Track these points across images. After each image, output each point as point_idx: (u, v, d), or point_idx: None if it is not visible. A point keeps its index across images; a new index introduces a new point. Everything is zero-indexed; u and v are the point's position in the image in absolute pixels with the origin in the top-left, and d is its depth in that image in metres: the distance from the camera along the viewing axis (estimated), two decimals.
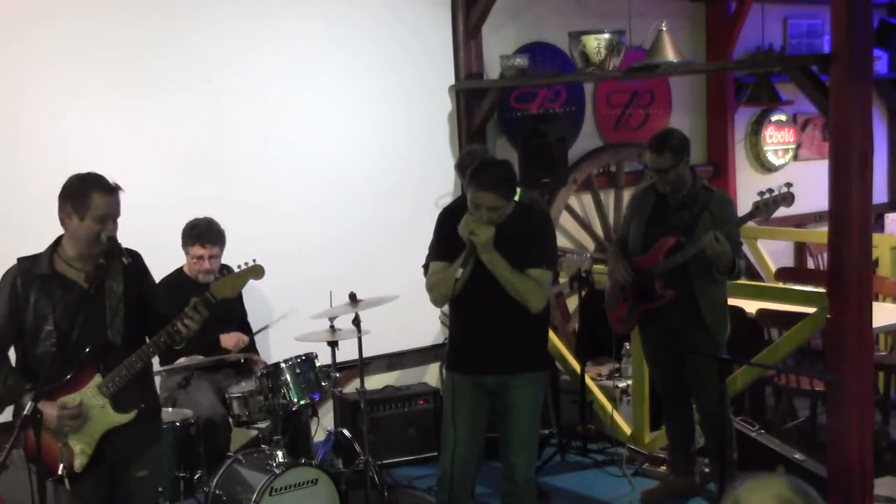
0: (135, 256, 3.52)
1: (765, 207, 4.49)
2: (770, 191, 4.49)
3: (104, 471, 3.47)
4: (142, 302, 3.53)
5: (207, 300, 3.41)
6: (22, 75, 4.92)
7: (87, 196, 3.33)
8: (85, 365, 3.39)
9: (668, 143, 4.67)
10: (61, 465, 3.34)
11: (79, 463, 3.38)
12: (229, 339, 4.99)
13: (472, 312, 4.02)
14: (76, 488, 3.39)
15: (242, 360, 5.08)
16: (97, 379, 3.39)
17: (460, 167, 5.10)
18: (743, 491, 1.96)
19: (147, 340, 3.46)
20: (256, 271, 3.54)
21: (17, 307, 3.39)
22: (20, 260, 3.45)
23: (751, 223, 7.25)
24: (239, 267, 3.55)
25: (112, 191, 3.39)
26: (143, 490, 3.60)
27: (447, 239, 4.02)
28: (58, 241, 3.46)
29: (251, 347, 5.19)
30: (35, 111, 4.96)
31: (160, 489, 4.19)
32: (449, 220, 4.04)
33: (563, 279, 6.69)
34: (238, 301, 5.14)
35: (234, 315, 5.13)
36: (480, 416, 4.07)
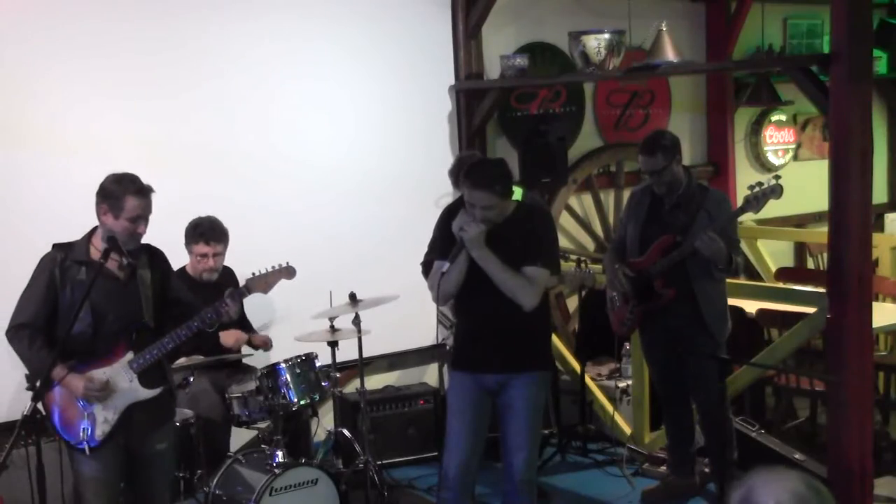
0: (158, 254, 3.87)
1: (755, 201, 4.50)
2: (760, 184, 4.51)
3: (122, 444, 3.68)
4: (165, 293, 3.82)
5: (242, 293, 3.76)
6: (28, 77, 4.92)
7: (122, 198, 3.60)
8: (118, 342, 3.65)
9: (659, 144, 4.67)
10: (82, 431, 3.58)
11: (100, 432, 3.61)
12: (228, 337, 4.99)
13: (472, 311, 4.04)
14: (98, 456, 3.61)
15: (242, 360, 5.09)
16: (129, 355, 3.65)
17: (452, 174, 5.10)
18: (757, 481, 1.97)
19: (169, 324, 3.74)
20: (289, 272, 3.88)
21: (55, 290, 3.63)
22: (56, 246, 3.70)
23: (751, 223, 7.30)
24: (273, 267, 3.85)
25: (145, 193, 3.67)
26: (163, 461, 3.87)
27: (447, 237, 4.03)
28: (93, 230, 3.71)
29: (249, 331, 5.20)
30: (40, 113, 4.95)
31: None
32: (449, 218, 4.06)
33: (563, 290, 6.70)
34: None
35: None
36: (483, 415, 4.07)
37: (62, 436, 3.67)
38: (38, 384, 3.46)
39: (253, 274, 3.83)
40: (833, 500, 1.95)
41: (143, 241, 3.76)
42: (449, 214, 4.10)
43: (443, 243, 4.09)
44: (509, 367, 3.98)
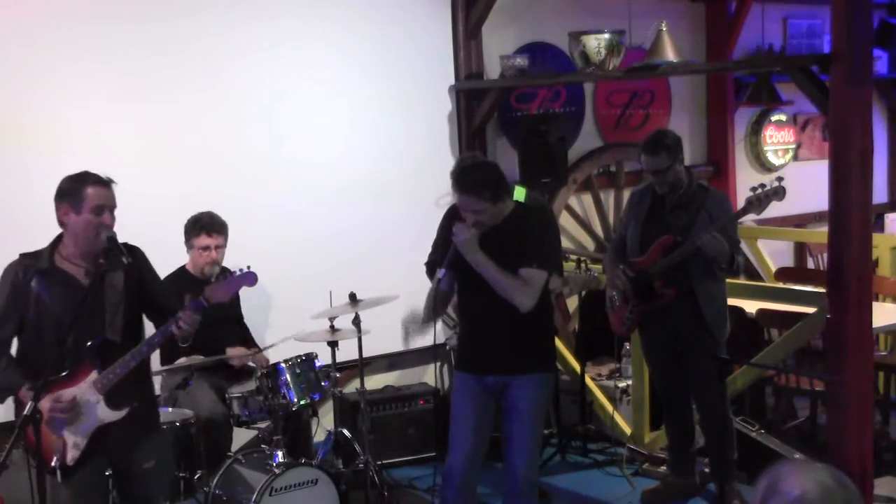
0: (134, 252, 3.55)
1: (757, 202, 4.50)
2: (762, 186, 4.51)
3: (102, 464, 3.50)
4: (142, 298, 3.57)
5: (199, 303, 3.44)
6: (29, 80, 4.92)
7: (81, 190, 3.39)
8: (82, 361, 3.42)
9: (662, 144, 4.67)
10: (55, 458, 3.39)
11: (71, 456, 3.42)
12: (233, 353, 4.99)
13: (474, 313, 4.04)
14: (73, 482, 3.43)
15: (249, 363, 5.09)
16: (93, 375, 3.42)
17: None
18: (785, 470, 1.98)
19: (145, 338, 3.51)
20: (250, 278, 3.57)
21: (18, 301, 3.43)
22: (22, 255, 3.50)
23: (751, 223, 7.30)
24: (234, 273, 3.57)
25: (105, 183, 3.44)
26: (152, 480, 3.63)
27: (445, 240, 4.05)
28: (59, 238, 3.50)
29: (252, 345, 5.20)
30: (41, 115, 4.96)
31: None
32: (450, 220, 4.07)
33: (564, 291, 6.69)
34: (235, 301, 5.14)
35: (232, 315, 5.13)
36: (486, 415, 4.07)
37: (38, 464, 3.33)
38: (38, 385, 3.23)
39: (210, 281, 3.61)
40: (859, 496, 1.96)
41: (129, 240, 3.54)
42: (450, 216, 4.12)
43: (443, 246, 4.10)
44: (511, 369, 3.99)
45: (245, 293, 5.15)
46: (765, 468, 2.02)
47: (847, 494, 1.94)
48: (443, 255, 4.03)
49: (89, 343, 3.40)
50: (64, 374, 3.40)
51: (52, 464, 3.39)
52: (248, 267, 3.58)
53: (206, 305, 3.45)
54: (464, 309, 4.12)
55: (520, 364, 3.99)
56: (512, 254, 3.88)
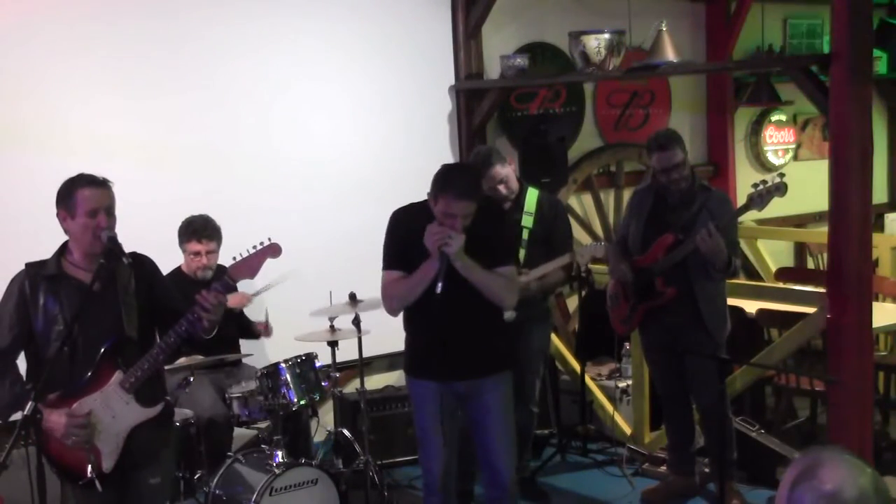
0: (143, 261, 3.52)
1: (759, 199, 4.49)
2: (763, 182, 4.50)
3: (116, 475, 3.39)
4: (154, 306, 3.49)
5: (227, 284, 3.36)
6: (29, 78, 4.92)
7: (73, 194, 3.33)
8: (103, 363, 3.34)
9: (673, 138, 4.67)
10: (89, 468, 3.29)
11: (108, 465, 3.34)
12: (233, 299, 4.92)
13: (435, 319, 3.87)
14: (88, 493, 3.33)
15: (242, 360, 5.10)
16: (118, 375, 3.34)
17: None
18: (830, 459, 1.89)
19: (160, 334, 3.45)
20: (274, 249, 3.43)
21: (26, 310, 3.36)
22: (28, 265, 3.43)
23: (752, 223, 7.30)
24: (255, 247, 3.43)
25: (99, 184, 3.37)
26: (155, 497, 3.53)
27: (402, 245, 4.01)
28: (65, 245, 3.46)
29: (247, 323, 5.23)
30: (40, 113, 4.96)
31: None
32: (405, 222, 4.03)
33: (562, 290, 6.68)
34: None
35: (232, 313, 5.12)
36: (456, 419, 4.03)
37: (60, 474, 3.37)
38: (39, 385, 3.17)
39: (234, 259, 3.43)
40: None
41: (131, 248, 3.46)
42: (404, 218, 4.07)
43: (399, 251, 4.04)
44: (481, 372, 3.95)
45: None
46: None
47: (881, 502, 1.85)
48: (403, 263, 3.99)
49: (108, 343, 3.32)
50: (87, 377, 3.32)
51: (88, 474, 3.29)
52: (269, 239, 3.46)
53: (232, 284, 3.38)
54: (423, 315, 3.93)
55: (488, 366, 3.97)
56: (484, 254, 3.82)
